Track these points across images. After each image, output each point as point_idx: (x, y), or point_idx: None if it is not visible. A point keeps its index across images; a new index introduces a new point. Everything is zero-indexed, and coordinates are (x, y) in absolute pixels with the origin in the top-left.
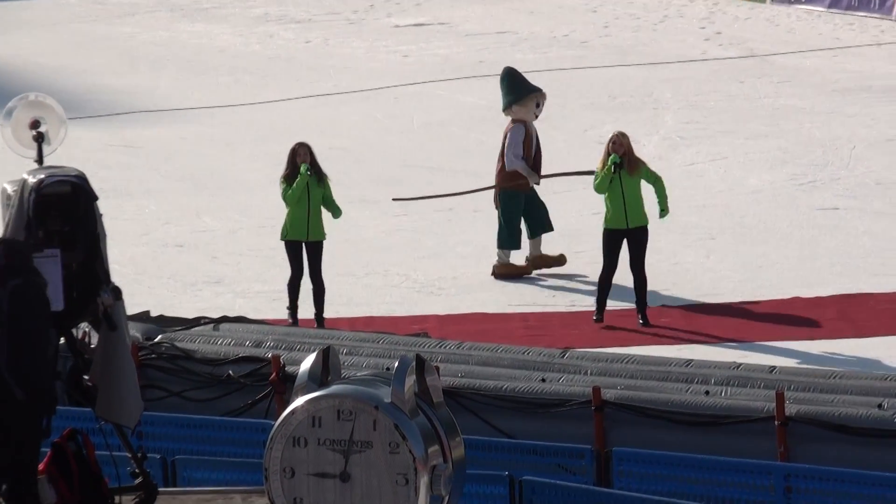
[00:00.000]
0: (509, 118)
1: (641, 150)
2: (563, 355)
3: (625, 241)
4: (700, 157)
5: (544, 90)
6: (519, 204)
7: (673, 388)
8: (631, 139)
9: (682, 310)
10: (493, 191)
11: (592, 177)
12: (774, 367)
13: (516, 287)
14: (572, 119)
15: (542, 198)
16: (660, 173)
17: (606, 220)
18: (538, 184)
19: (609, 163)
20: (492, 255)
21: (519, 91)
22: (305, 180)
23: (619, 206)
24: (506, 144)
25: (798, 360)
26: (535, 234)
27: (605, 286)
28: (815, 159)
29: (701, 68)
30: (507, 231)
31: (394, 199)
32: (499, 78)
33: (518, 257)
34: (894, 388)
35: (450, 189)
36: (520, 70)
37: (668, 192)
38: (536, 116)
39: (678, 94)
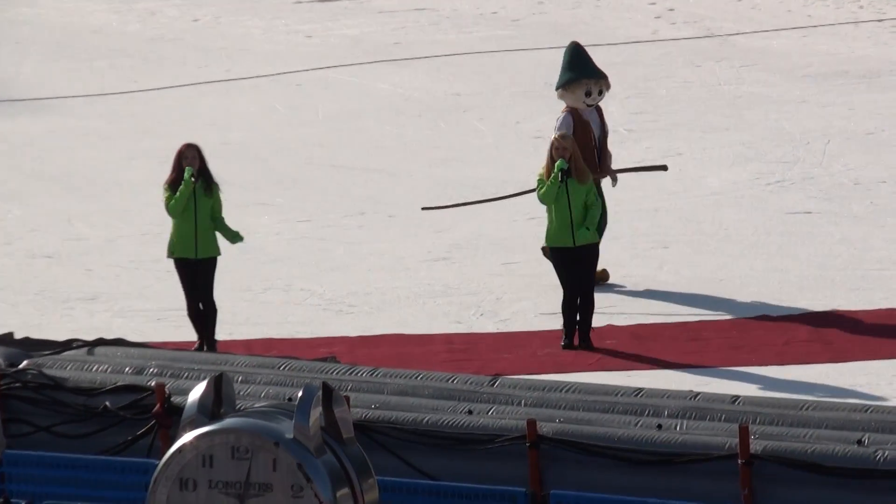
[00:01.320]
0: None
1: None
2: (493, 383)
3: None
4: (651, 153)
5: (606, 75)
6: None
7: (620, 422)
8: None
9: (630, 330)
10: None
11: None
12: (737, 397)
13: (438, 305)
14: (502, 109)
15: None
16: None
17: (549, 237)
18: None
19: (556, 169)
20: (409, 267)
21: (569, 73)
22: (190, 188)
23: (565, 220)
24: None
25: (765, 389)
26: None
27: (571, 308)
28: (784, 156)
29: (651, 51)
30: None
31: (423, 209)
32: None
33: None
34: (876, 420)
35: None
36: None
37: (614, 190)
38: (590, 106)
39: (625, 81)
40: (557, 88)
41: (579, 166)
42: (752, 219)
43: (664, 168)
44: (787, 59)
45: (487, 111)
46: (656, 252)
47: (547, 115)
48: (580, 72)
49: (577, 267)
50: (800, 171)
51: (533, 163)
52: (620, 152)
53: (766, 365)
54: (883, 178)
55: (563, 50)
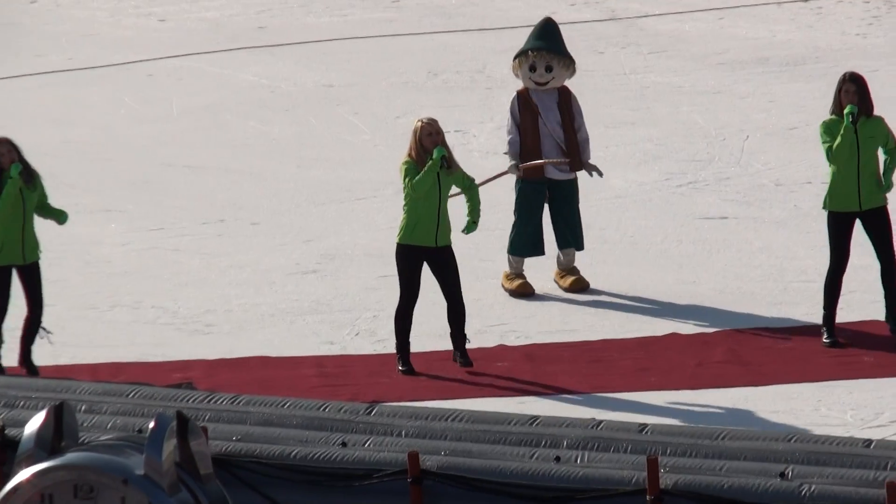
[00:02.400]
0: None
1: (471, 143)
2: (370, 411)
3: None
4: None
5: (565, 52)
6: (531, 198)
7: (514, 454)
8: (457, 128)
9: (525, 350)
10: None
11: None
12: (645, 426)
13: (307, 323)
14: (380, 102)
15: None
16: (494, 172)
17: (405, 234)
18: (516, 174)
19: (436, 155)
20: (275, 281)
21: (522, 47)
22: (17, 186)
23: (432, 216)
24: None
25: (675, 416)
26: (562, 244)
27: (405, 321)
28: (697, 153)
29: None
30: (512, 230)
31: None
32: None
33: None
34: (800, 451)
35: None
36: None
37: (505, 194)
38: (541, 85)
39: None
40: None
41: (451, 155)
42: (661, 224)
43: (566, 162)
44: (701, 45)
45: (364, 104)
46: (554, 262)
47: (430, 109)
48: (530, 43)
49: (438, 268)
50: (714, 171)
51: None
52: None
53: (677, 389)
54: (807, 178)
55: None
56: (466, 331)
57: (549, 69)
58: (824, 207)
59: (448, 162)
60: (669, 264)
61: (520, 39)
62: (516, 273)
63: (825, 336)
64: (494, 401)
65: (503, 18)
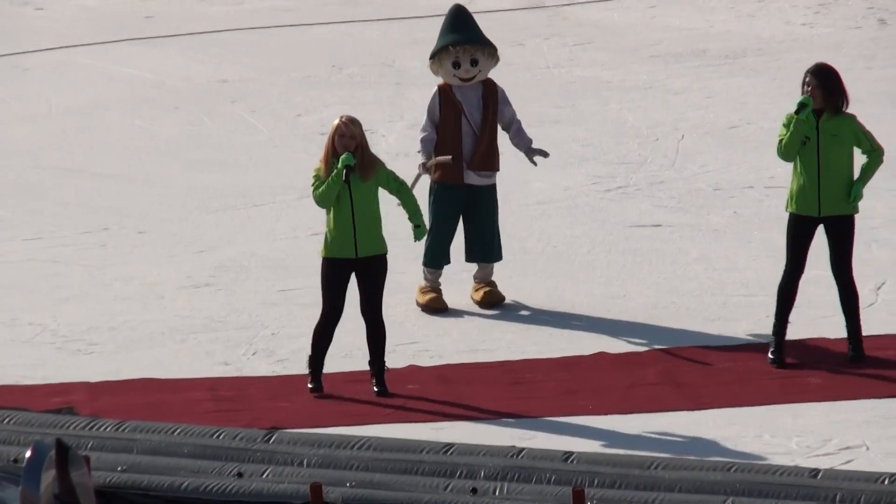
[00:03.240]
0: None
1: (380, 144)
2: (269, 439)
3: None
4: None
5: (488, 42)
6: (447, 204)
7: (426, 485)
8: (364, 127)
9: (439, 371)
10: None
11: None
12: (571, 454)
13: (199, 342)
14: (279, 99)
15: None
16: (406, 176)
17: (325, 247)
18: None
19: (340, 165)
20: (164, 296)
21: (438, 42)
22: None
23: (346, 227)
24: None
25: (604, 443)
26: (470, 258)
27: (322, 338)
28: (628, 155)
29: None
30: (428, 240)
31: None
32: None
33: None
34: (741, 481)
35: None
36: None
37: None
38: (466, 81)
39: None
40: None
41: (367, 159)
42: (587, 233)
43: (448, 160)
44: (632, 36)
45: (261, 101)
46: (470, 275)
47: (335, 107)
48: (448, 37)
49: (363, 283)
50: (647, 175)
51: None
52: None
53: (607, 413)
54: (748, 182)
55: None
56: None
57: (474, 63)
58: (786, 209)
59: (353, 169)
60: (597, 277)
61: (432, 30)
62: (432, 287)
63: (771, 352)
64: (405, 427)
65: (413, 7)
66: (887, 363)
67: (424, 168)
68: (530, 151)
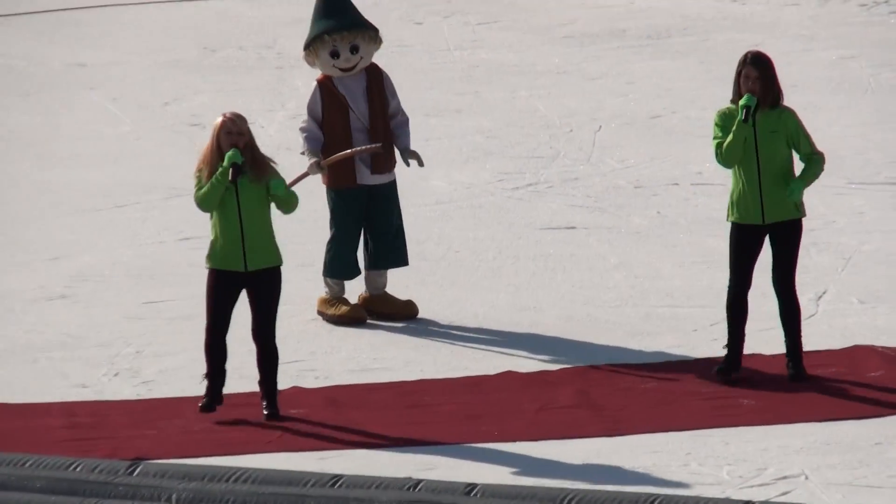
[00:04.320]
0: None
1: (259, 136)
2: (133, 471)
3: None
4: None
5: (369, 25)
6: (347, 209)
7: None
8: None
9: (326, 394)
10: None
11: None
12: (474, 486)
13: (54, 361)
14: (144, 85)
15: (115, 213)
16: (289, 172)
17: (209, 256)
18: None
19: (227, 161)
20: (13, 309)
21: (311, 31)
22: None
23: (234, 235)
24: None
25: (511, 473)
26: (375, 264)
27: (212, 353)
28: (538, 148)
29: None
30: (330, 250)
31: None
32: None
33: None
34: None
35: None
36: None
37: (305, 202)
38: (347, 71)
39: None
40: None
41: (257, 160)
42: (493, 237)
43: (378, 148)
44: (543, 14)
45: (124, 88)
46: (360, 285)
47: (207, 95)
48: (322, 24)
49: (255, 299)
50: (559, 170)
51: (190, 159)
52: None
53: (514, 440)
54: (673, 178)
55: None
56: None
57: (354, 50)
58: (727, 219)
59: (241, 170)
60: (504, 286)
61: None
62: (337, 297)
63: (718, 367)
64: (288, 456)
65: None
66: (829, 382)
67: (318, 167)
68: (406, 152)
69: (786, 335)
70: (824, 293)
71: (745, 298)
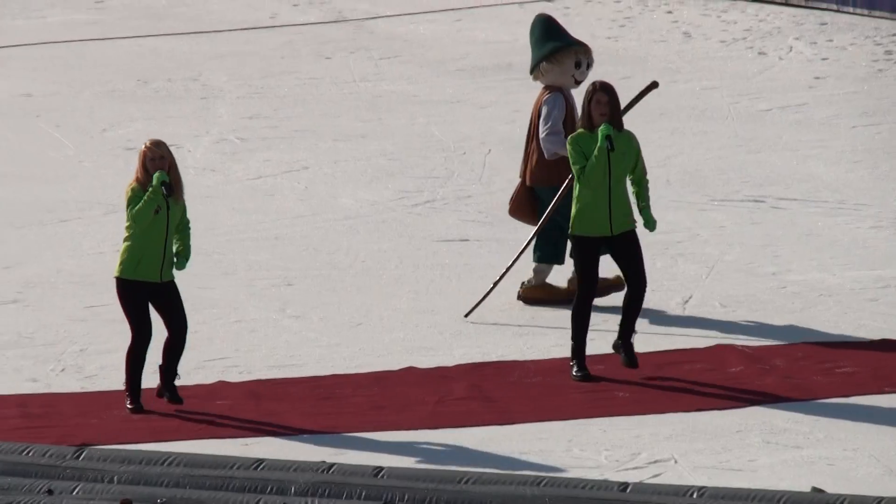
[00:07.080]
0: (540, 85)
1: (186, 159)
2: (79, 455)
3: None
4: (269, 167)
5: (587, 44)
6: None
7: (236, 501)
8: (170, 142)
9: (248, 387)
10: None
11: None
12: (381, 469)
13: (7, 358)
14: (84, 113)
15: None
16: (213, 191)
17: (126, 268)
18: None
19: (156, 182)
20: None
21: (552, 42)
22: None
23: (157, 249)
24: (540, 121)
25: (414, 459)
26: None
27: (138, 360)
28: (435, 169)
29: (269, 39)
30: (547, 239)
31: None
32: (528, 30)
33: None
34: (552, 495)
35: None
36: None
37: (220, 214)
38: (578, 82)
39: (237, 77)
40: (538, 63)
41: (178, 179)
42: (395, 248)
43: (655, 85)
44: (437, 50)
45: (67, 116)
46: (278, 291)
47: (141, 122)
48: (566, 38)
49: (167, 307)
50: (454, 189)
51: (125, 179)
52: (233, 167)
53: (416, 428)
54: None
55: (530, 27)
56: (184, 366)
57: (589, 66)
58: (571, 233)
59: (172, 189)
60: (405, 292)
61: (237, 44)
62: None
63: (575, 370)
64: (215, 443)
65: (218, 21)
66: (695, 377)
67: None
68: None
69: (624, 321)
70: (690, 298)
71: (591, 304)
